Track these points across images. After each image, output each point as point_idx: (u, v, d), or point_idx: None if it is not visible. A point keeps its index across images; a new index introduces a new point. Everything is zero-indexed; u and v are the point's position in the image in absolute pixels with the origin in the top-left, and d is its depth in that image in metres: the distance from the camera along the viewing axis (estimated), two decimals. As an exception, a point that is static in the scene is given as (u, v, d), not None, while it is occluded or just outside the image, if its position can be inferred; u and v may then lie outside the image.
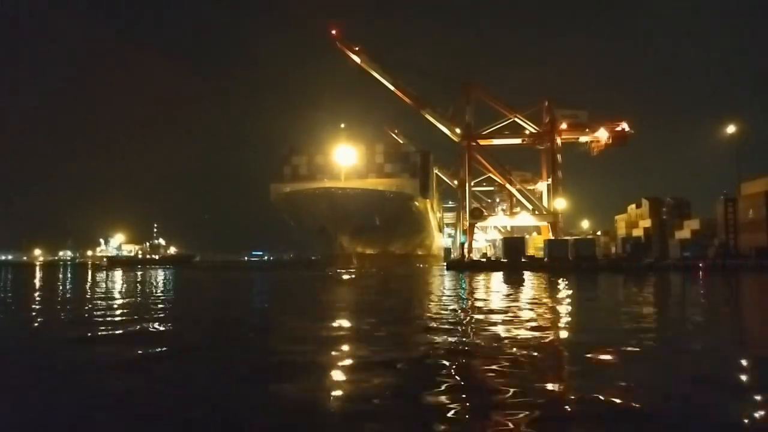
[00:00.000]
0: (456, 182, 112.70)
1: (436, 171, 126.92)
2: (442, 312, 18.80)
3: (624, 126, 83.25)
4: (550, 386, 8.09)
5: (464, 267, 70.67)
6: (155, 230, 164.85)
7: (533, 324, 14.66)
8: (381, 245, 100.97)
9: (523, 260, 70.91)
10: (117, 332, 14.25)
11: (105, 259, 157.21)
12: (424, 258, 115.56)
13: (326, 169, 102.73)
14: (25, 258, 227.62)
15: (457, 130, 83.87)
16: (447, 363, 9.43)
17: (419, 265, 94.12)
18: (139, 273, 67.06)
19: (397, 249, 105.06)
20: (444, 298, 25.94)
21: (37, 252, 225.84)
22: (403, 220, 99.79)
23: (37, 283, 44.89)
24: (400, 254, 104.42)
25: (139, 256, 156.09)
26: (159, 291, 32.54)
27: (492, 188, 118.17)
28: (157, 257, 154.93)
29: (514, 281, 38.76)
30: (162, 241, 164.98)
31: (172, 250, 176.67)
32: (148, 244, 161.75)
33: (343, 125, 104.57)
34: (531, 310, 18.83)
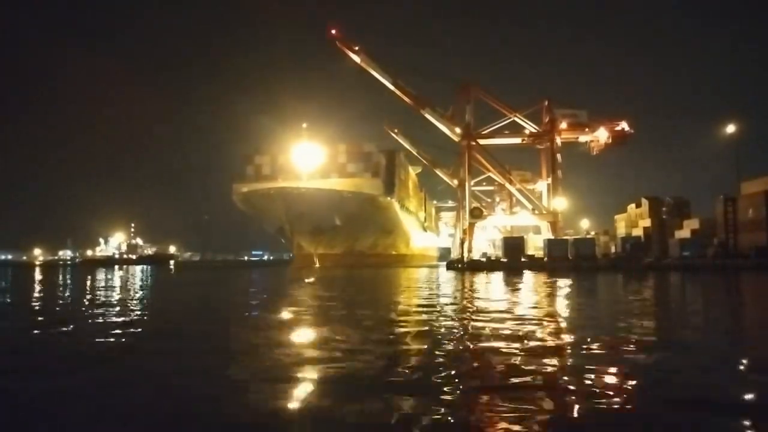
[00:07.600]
0: (456, 182, 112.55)
1: (437, 170, 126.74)
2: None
3: (624, 125, 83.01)
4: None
5: (464, 267, 70.59)
6: (132, 230, 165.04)
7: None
8: (345, 245, 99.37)
9: (522, 260, 70.90)
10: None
11: (76, 259, 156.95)
12: (401, 258, 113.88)
13: (288, 169, 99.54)
14: (24, 257, 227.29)
15: (457, 130, 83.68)
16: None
17: (391, 266, 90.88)
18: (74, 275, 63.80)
19: (366, 249, 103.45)
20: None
21: (37, 252, 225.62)
22: (368, 219, 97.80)
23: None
24: (371, 254, 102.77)
25: (116, 256, 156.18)
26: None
27: (492, 188, 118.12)
28: (134, 257, 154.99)
29: (513, 284, 38.42)
30: (140, 241, 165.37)
31: (172, 249, 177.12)
32: (126, 243, 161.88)
33: (305, 124, 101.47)
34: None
